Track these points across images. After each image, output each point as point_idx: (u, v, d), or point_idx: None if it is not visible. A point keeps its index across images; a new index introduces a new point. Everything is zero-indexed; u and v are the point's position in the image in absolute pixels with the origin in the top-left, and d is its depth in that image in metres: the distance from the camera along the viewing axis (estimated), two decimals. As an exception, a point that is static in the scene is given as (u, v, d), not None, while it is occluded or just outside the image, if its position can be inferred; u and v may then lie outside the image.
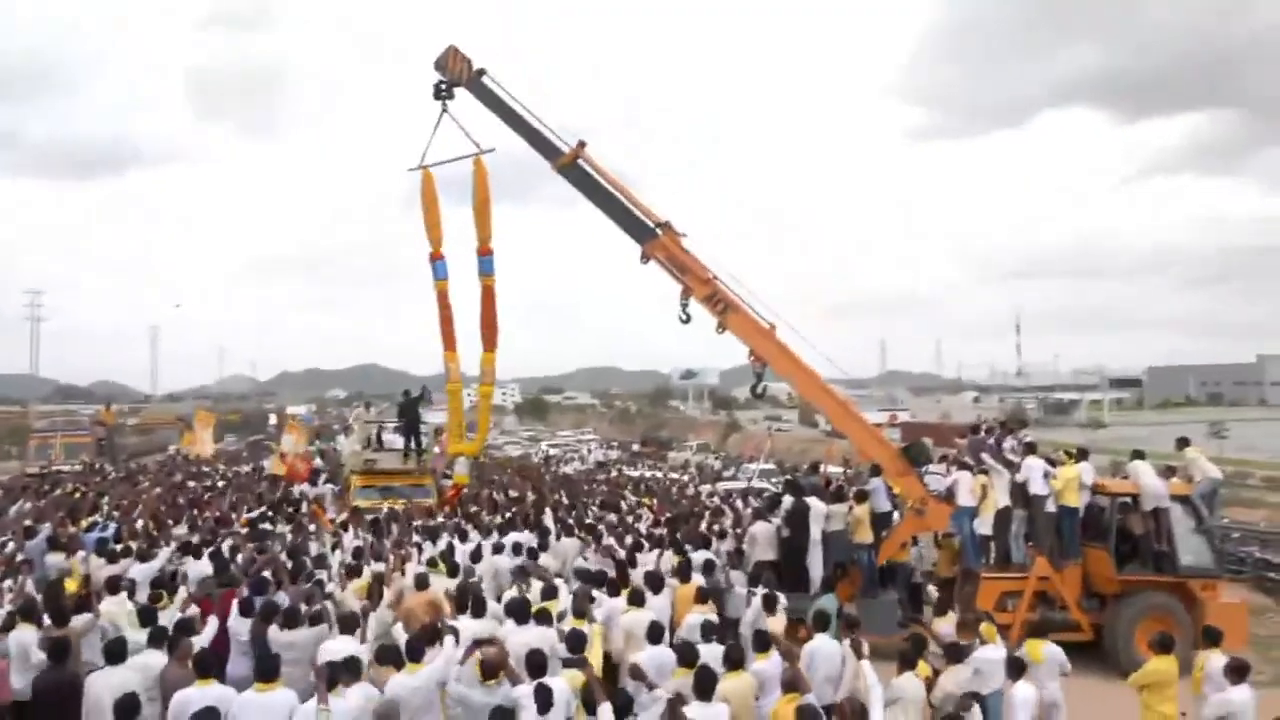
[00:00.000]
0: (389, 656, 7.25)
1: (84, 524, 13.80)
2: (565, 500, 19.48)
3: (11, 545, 11.69)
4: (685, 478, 30.52)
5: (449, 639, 7.13)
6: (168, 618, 8.18)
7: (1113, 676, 11.14)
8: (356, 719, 6.30)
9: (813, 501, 12.11)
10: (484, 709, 6.47)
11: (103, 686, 6.64)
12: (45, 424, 44.07)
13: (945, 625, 9.31)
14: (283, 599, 8.87)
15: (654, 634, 7.89)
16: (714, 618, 8.74)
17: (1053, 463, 12.69)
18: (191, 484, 22.07)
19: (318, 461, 24.52)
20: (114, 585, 9.26)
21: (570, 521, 14.67)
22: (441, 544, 12.13)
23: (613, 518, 16.24)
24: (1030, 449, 12.91)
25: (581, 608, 8.34)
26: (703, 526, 14.43)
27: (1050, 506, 12.24)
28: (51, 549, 11.28)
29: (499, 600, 9.24)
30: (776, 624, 8.80)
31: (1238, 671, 7.55)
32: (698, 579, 10.30)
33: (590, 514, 16.67)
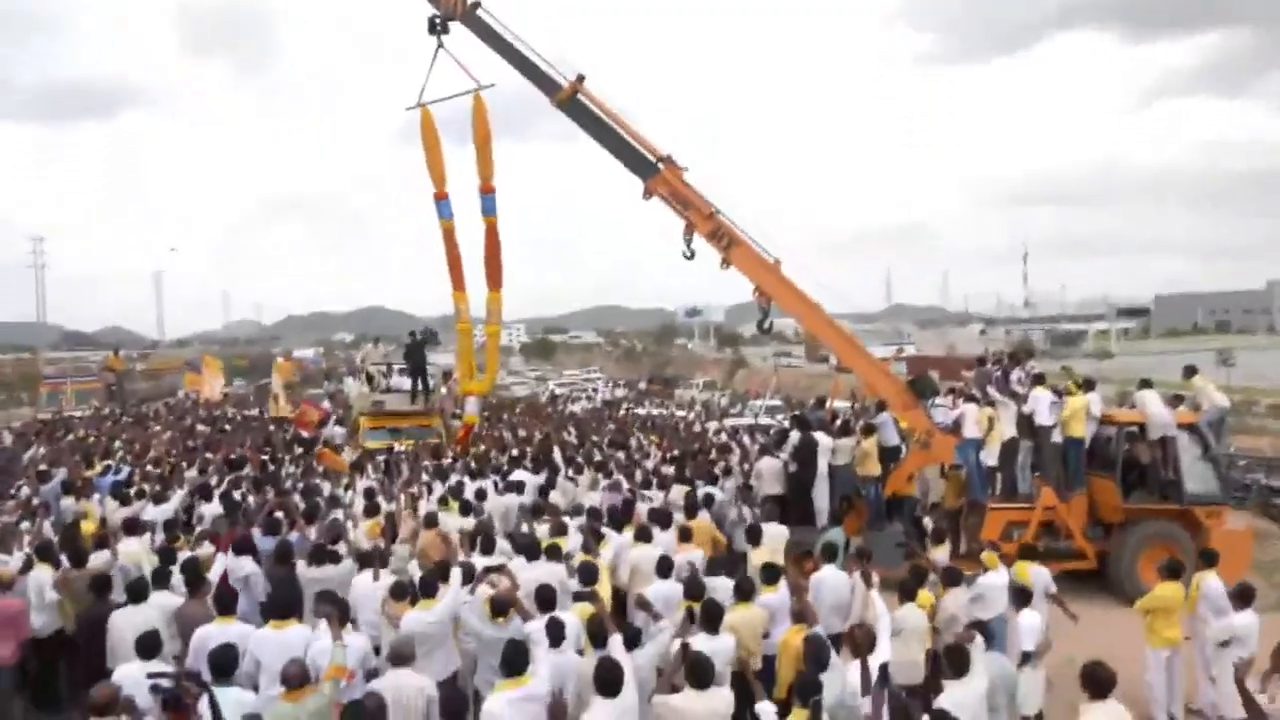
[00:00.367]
0: (403, 592, 7.37)
1: (98, 468, 13.95)
2: (575, 439, 19.60)
3: (27, 490, 11.83)
4: (692, 415, 30.61)
5: (455, 574, 7.22)
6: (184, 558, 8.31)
7: (1117, 604, 11.31)
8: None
9: (819, 436, 12.15)
10: (494, 643, 6.58)
11: (125, 624, 6.76)
12: (55, 371, 44.34)
13: (941, 553, 9.50)
14: (296, 539, 9.00)
15: (663, 568, 7.98)
16: (696, 557, 8.74)
17: (1060, 393, 12.67)
18: (202, 428, 22.26)
19: (326, 405, 24.68)
20: (131, 527, 9.40)
21: (580, 459, 14.77)
22: (452, 483, 12.25)
23: (621, 455, 16.35)
24: (1038, 380, 12.88)
25: (589, 544, 8.45)
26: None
27: (1056, 437, 12.26)
28: (66, 493, 11.42)
29: (508, 538, 9.35)
30: (759, 556, 8.90)
31: (1242, 596, 7.65)
32: (704, 515, 10.39)
33: (599, 452, 16.77)
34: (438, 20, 13.87)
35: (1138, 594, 9.00)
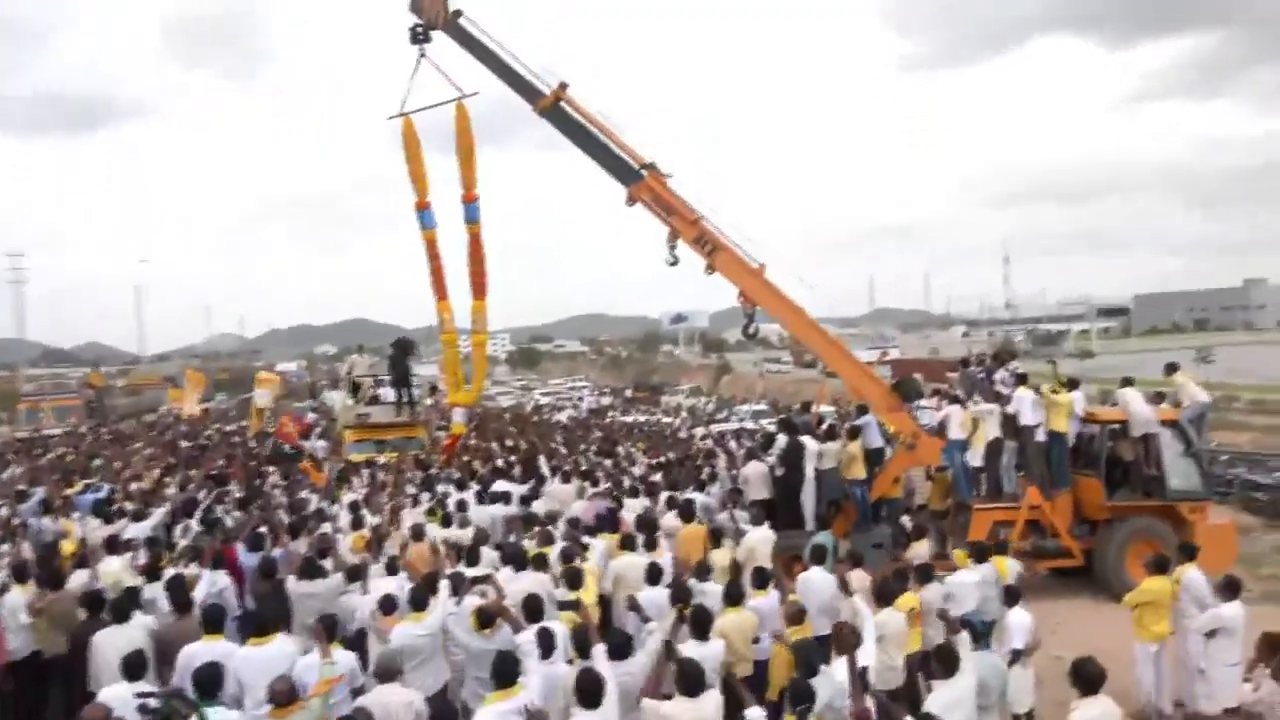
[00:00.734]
0: (392, 606, 7.31)
1: (78, 486, 13.79)
2: (563, 448, 19.55)
3: (4, 510, 11.67)
4: (678, 422, 30.63)
5: (443, 586, 7.16)
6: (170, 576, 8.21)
7: (1104, 600, 11.37)
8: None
9: (806, 440, 12.16)
10: (481, 655, 6.52)
11: (108, 644, 6.66)
12: (34, 388, 43.88)
13: (922, 550, 9.59)
14: (280, 554, 8.92)
15: (652, 576, 7.95)
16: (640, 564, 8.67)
17: (1039, 391, 12.73)
18: (183, 444, 22.05)
19: (310, 417, 24.52)
20: (112, 545, 9.27)
21: (567, 468, 14.74)
22: (438, 494, 12.18)
23: (608, 463, 16.32)
24: (1021, 380, 12.95)
25: (571, 553, 8.36)
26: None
27: (1040, 436, 12.33)
28: (45, 512, 11.27)
29: (496, 549, 9.29)
30: (721, 557, 8.93)
31: (1230, 588, 7.72)
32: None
33: (586, 461, 16.73)
34: (420, 29, 13.81)
35: (1125, 590, 9.05)
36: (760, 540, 9.60)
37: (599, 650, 5.95)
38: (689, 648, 6.14)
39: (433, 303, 16.15)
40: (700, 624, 6.47)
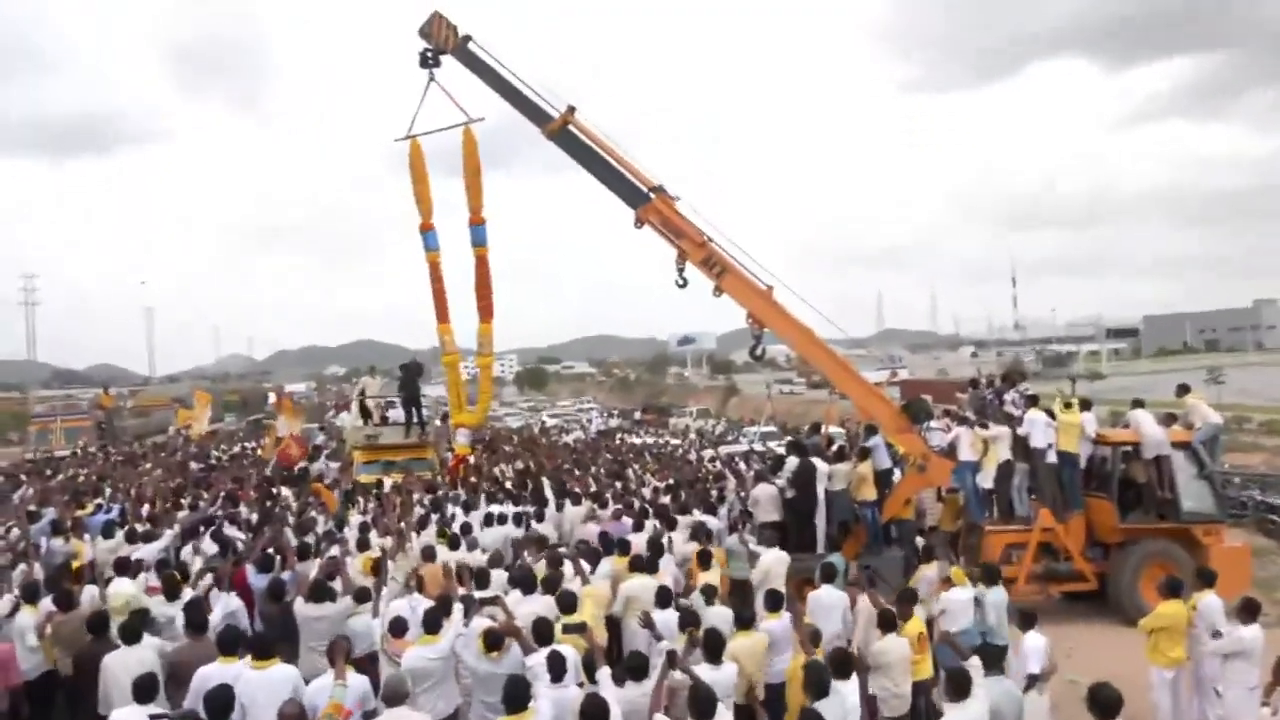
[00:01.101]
0: (402, 628, 7.29)
1: (89, 508, 13.81)
2: (576, 470, 19.46)
3: (16, 531, 11.68)
4: (686, 444, 30.54)
5: (457, 609, 7.14)
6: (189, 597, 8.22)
7: (1117, 624, 11.27)
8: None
9: (817, 462, 12.11)
10: (489, 678, 6.48)
11: (119, 666, 6.64)
12: (44, 409, 44.02)
13: (931, 572, 9.48)
14: (289, 576, 8.91)
15: (663, 598, 7.92)
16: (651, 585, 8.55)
17: (1053, 415, 12.69)
18: (193, 465, 22.06)
19: (320, 439, 24.51)
20: (122, 566, 9.27)
21: (578, 490, 14.70)
22: (446, 515, 12.16)
23: (619, 485, 16.27)
24: (1032, 401, 12.90)
25: (555, 578, 8.25)
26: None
27: (1051, 457, 12.27)
28: (55, 533, 11.27)
29: (504, 569, 9.27)
30: (710, 578, 8.90)
31: (1248, 610, 7.66)
32: (702, 543, 10.33)
33: (596, 482, 16.68)
34: (429, 54, 13.97)
35: (1139, 614, 8.98)
36: (775, 561, 9.56)
37: (604, 674, 5.93)
38: (702, 671, 6.11)
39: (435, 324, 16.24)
40: (713, 648, 6.43)
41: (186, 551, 10.63)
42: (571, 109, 12.70)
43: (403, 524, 11.44)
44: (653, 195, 12.39)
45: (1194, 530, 11.94)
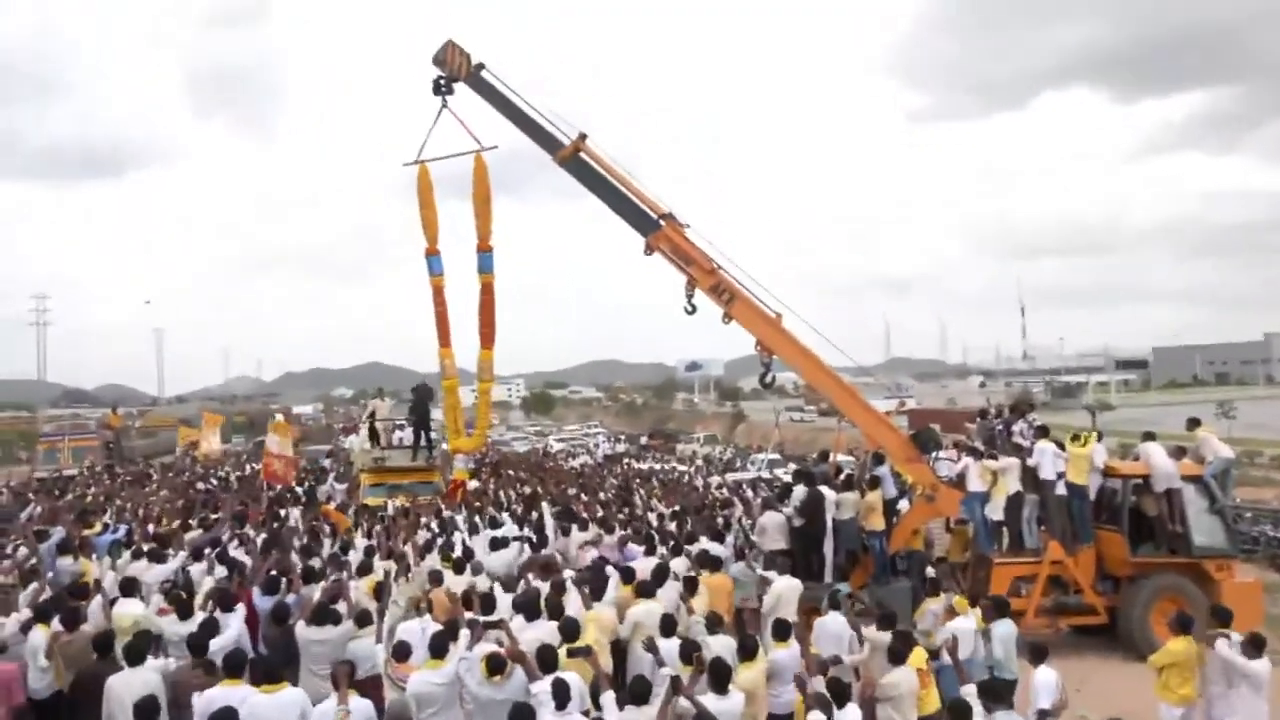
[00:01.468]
0: (405, 653, 7.26)
1: (96, 527, 13.83)
2: (583, 495, 19.42)
3: (24, 550, 11.70)
4: (693, 469, 30.46)
5: (464, 634, 7.11)
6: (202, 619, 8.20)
7: (1127, 659, 11.14)
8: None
9: (825, 490, 12.07)
10: (490, 704, 6.42)
11: (123, 688, 6.62)
12: (52, 428, 44.16)
13: (935, 605, 9.37)
14: (293, 600, 8.88)
15: (666, 626, 7.86)
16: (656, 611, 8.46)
17: (1062, 446, 12.62)
18: (200, 485, 22.09)
19: (326, 462, 24.52)
20: (129, 587, 9.26)
21: (584, 515, 14.65)
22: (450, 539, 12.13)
23: (625, 511, 16.22)
24: (1042, 432, 12.85)
25: (558, 603, 8.22)
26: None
27: (1061, 489, 12.19)
28: (61, 553, 11.28)
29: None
30: (699, 603, 8.88)
31: (1255, 644, 7.56)
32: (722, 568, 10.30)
33: (602, 508, 16.64)
34: (442, 81, 14.12)
35: (1150, 649, 8.88)
36: (788, 589, 9.50)
37: (608, 698, 5.88)
38: (708, 701, 6.05)
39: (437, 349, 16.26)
40: (719, 677, 6.38)
41: (196, 571, 10.61)
42: (583, 136, 12.82)
43: (407, 547, 11.42)
44: (662, 222, 12.46)
45: (1205, 565, 11.83)
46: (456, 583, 9.57)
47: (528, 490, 20.25)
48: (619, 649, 8.49)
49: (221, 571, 10.29)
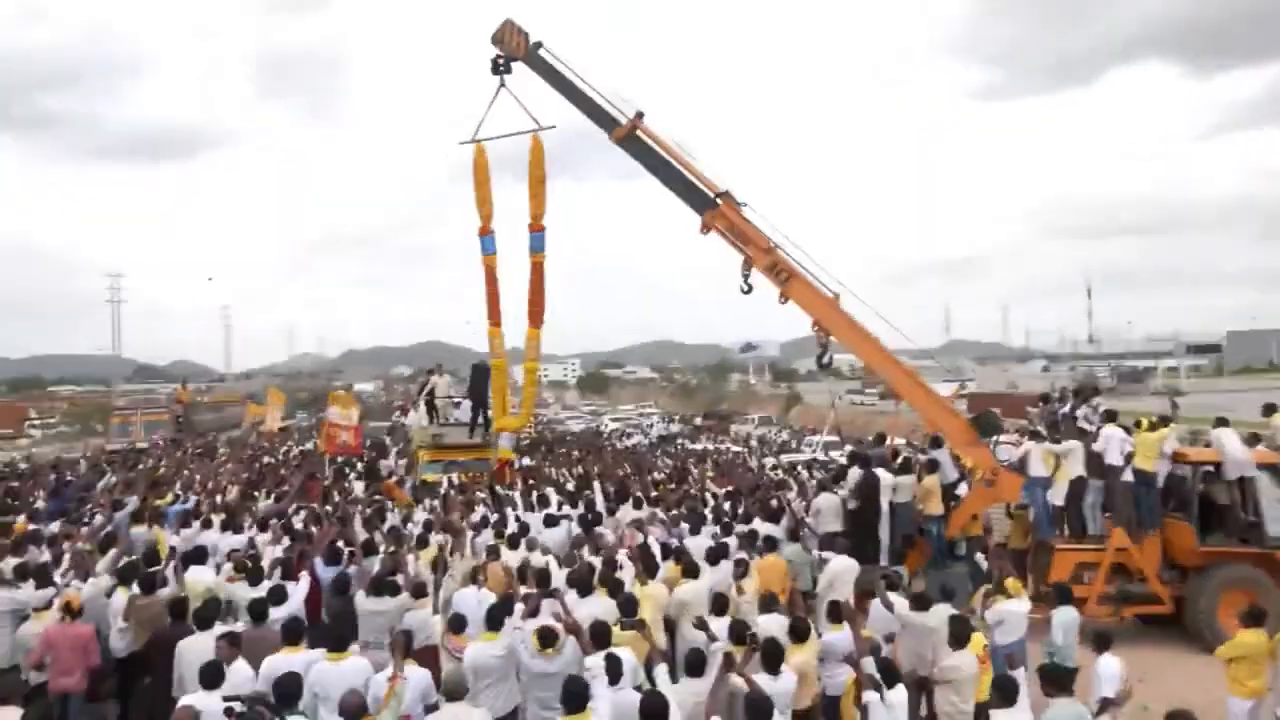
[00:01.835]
0: (461, 625, 7.39)
1: (168, 498, 14.34)
2: (635, 475, 19.51)
3: (100, 518, 12.18)
4: (747, 450, 30.40)
5: (518, 608, 7.20)
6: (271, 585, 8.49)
7: (1193, 650, 10.86)
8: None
9: (881, 473, 11.93)
10: (541, 677, 6.51)
11: (193, 651, 6.88)
12: (126, 403, 45.81)
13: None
14: (354, 571, 9.11)
15: (718, 606, 7.87)
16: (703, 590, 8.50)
17: (1129, 431, 12.29)
18: (265, 459, 22.72)
19: (386, 439, 24.98)
20: (199, 555, 9.61)
21: (638, 493, 14.73)
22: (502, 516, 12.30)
23: (680, 490, 16.26)
24: (1109, 417, 12.51)
25: (612, 578, 8.28)
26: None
27: (1127, 475, 11.87)
28: (135, 522, 11.72)
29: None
30: (749, 584, 8.90)
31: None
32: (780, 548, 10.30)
33: (656, 487, 16.70)
34: (501, 60, 14.20)
35: (1217, 640, 8.64)
36: (844, 569, 9.47)
37: (661, 670, 5.91)
38: (761, 680, 6.06)
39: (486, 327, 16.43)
40: (772, 658, 6.37)
41: (261, 541, 10.95)
42: (640, 114, 12.78)
43: (464, 522, 11.60)
44: (719, 200, 12.38)
45: (1278, 556, 11.43)
46: (511, 558, 9.71)
47: (581, 470, 20.42)
48: (669, 628, 8.54)
49: (286, 542, 10.61)
